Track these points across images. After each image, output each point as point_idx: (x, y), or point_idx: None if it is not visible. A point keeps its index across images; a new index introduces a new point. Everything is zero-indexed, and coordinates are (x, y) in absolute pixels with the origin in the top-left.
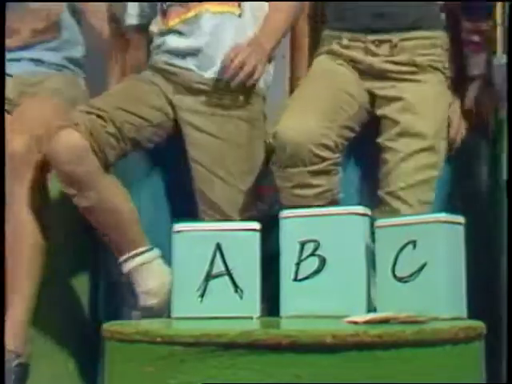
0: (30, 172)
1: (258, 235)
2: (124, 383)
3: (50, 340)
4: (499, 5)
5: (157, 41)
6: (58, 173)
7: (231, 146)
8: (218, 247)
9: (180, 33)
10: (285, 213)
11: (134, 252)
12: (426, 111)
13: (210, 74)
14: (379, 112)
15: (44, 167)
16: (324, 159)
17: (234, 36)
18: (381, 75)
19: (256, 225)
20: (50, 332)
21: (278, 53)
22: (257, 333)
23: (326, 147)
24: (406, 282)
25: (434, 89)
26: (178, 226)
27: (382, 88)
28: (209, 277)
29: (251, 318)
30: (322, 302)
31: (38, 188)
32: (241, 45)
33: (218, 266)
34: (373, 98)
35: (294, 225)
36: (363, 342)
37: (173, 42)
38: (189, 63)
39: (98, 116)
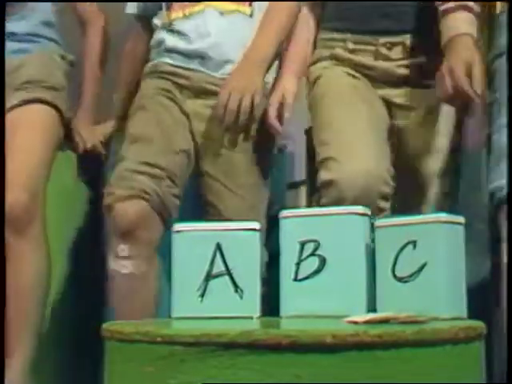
0: (30, 227)
1: (258, 235)
2: (124, 383)
3: (50, 339)
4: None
5: (158, 36)
6: (120, 235)
7: (243, 156)
8: (218, 247)
9: (182, 30)
10: (285, 213)
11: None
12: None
13: (222, 74)
14: (399, 122)
15: (44, 222)
16: (383, 211)
17: (247, 35)
18: (396, 81)
19: (256, 224)
20: (50, 331)
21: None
22: (257, 333)
23: (387, 197)
24: (405, 281)
25: None
26: (177, 226)
27: (398, 96)
28: (209, 277)
29: (251, 317)
30: (323, 301)
31: (39, 243)
32: (230, 82)
33: (218, 266)
34: (389, 107)
35: (293, 225)
36: (363, 342)
37: (176, 40)
38: (196, 64)
39: (161, 177)
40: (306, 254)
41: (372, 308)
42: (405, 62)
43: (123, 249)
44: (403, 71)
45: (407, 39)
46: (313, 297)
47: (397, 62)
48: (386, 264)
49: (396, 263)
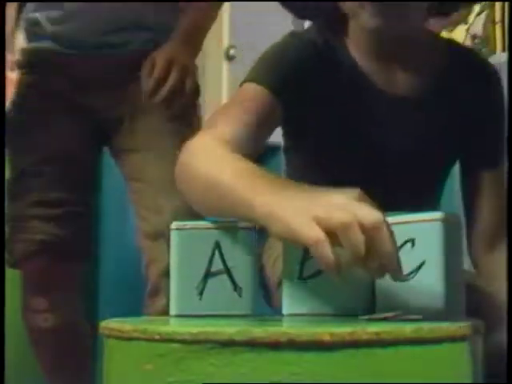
0: None
1: (257, 233)
2: (122, 381)
3: None
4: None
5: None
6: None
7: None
8: (217, 245)
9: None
10: None
11: None
12: None
13: None
14: None
15: None
16: None
17: None
18: None
19: None
20: None
21: None
22: (255, 331)
23: None
24: (403, 280)
25: None
26: (176, 224)
27: None
28: (208, 275)
29: (250, 316)
30: (326, 300)
31: None
32: (158, 56)
33: (217, 264)
34: None
35: None
36: (361, 340)
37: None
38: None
39: (60, 216)
40: (310, 252)
41: (373, 307)
42: None
43: (40, 303)
44: None
45: None
46: (317, 296)
47: None
48: None
49: None
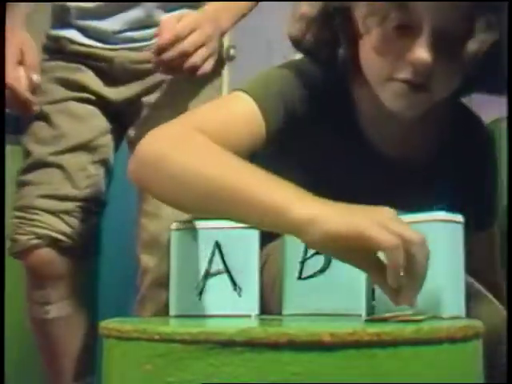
0: None
1: (257, 233)
2: (122, 381)
3: None
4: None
5: None
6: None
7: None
8: (217, 245)
9: None
10: None
11: None
12: None
13: None
14: None
15: None
16: None
17: None
18: None
19: None
20: None
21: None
22: (254, 331)
23: None
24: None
25: None
26: (176, 224)
27: None
28: (207, 275)
29: (250, 316)
30: (327, 300)
31: None
32: (185, 16)
33: (217, 264)
34: None
35: None
36: (361, 341)
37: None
38: None
39: (70, 211)
40: (310, 252)
41: (373, 307)
42: None
43: (42, 295)
44: None
45: None
46: (317, 295)
47: None
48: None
49: None
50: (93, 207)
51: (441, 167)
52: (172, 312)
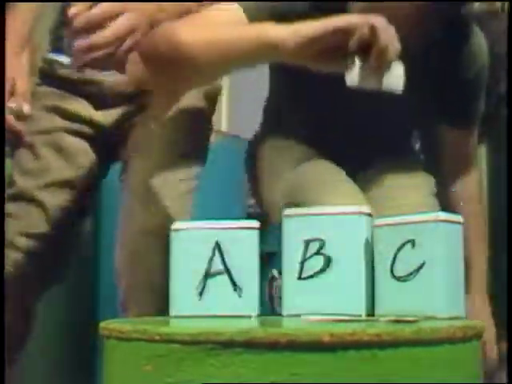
0: None
1: (257, 233)
2: (122, 381)
3: (49, 338)
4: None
5: None
6: None
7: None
8: (217, 245)
9: None
10: (288, 211)
11: None
12: None
13: None
14: None
15: None
16: None
17: None
18: None
19: (255, 223)
20: (49, 331)
21: None
22: (254, 331)
23: None
24: (404, 281)
25: None
26: (176, 224)
27: None
28: (207, 275)
29: (250, 316)
30: (327, 301)
31: None
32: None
33: (217, 265)
34: None
35: (298, 223)
36: (361, 341)
37: None
38: None
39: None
40: (310, 252)
41: (372, 307)
42: None
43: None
44: None
45: None
46: (317, 296)
47: None
48: (385, 263)
49: (395, 262)
50: (65, 248)
51: (425, 58)
52: (172, 312)
